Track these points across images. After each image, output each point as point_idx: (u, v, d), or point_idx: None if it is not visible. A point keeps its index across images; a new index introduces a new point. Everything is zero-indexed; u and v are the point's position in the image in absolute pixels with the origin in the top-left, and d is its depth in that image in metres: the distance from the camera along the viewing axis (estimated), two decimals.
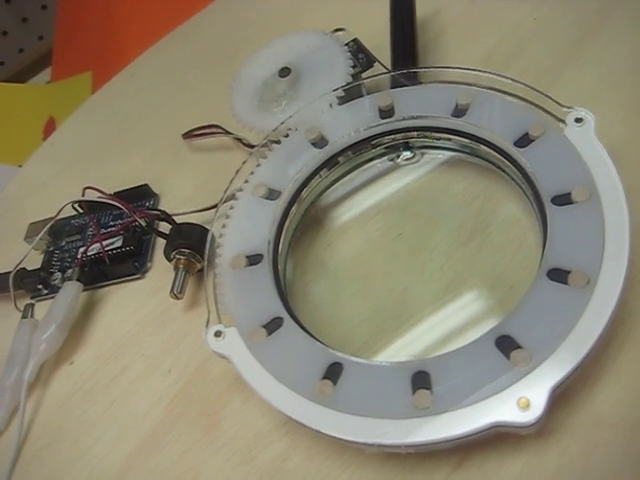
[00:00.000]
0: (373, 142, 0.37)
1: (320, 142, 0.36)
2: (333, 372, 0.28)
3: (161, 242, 0.40)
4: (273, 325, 0.30)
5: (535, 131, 0.32)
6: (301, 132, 0.37)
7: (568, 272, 0.27)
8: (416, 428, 0.26)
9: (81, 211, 0.44)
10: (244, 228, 0.34)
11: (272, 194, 0.35)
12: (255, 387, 0.29)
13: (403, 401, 0.27)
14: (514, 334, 0.27)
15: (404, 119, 0.35)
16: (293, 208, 0.36)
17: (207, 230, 0.37)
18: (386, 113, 0.36)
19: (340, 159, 0.37)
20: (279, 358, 0.30)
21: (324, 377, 0.28)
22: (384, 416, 0.27)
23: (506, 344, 0.27)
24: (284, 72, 0.40)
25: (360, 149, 0.37)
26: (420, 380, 0.27)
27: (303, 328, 0.30)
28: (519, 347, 0.26)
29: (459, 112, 0.34)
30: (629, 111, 0.37)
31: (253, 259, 0.33)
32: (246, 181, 0.36)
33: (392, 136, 0.36)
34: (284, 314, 0.31)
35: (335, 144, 0.36)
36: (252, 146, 0.42)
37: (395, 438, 0.26)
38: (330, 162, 0.37)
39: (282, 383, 0.29)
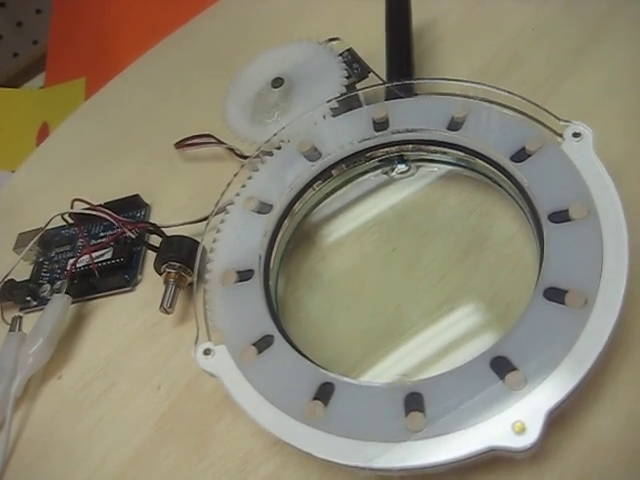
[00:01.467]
0: (367, 155, 0.36)
1: (313, 154, 0.36)
2: (324, 392, 0.28)
3: (152, 253, 0.39)
4: (263, 343, 0.30)
5: (532, 146, 0.31)
6: (294, 144, 0.36)
7: (565, 292, 0.27)
8: (409, 452, 0.25)
9: (70, 222, 0.44)
10: (235, 243, 0.34)
11: (264, 207, 0.35)
12: (244, 407, 0.28)
13: (396, 424, 0.26)
14: (510, 355, 0.26)
15: (399, 132, 0.35)
16: (285, 222, 0.35)
17: (198, 243, 0.37)
18: (380, 125, 0.35)
19: (333, 172, 0.36)
20: (269, 377, 0.29)
21: (315, 397, 0.27)
22: (376, 439, 0.26)
23: (501, 366, 0.26)
24: (277, 82, 0.39)
25: (354, 162, 0.37)
26: (413, 402, 0.26)
27: (294, 346, 0.30)
28: (515, 369, 0.26)
29: (455, 125, 0.34)
30: (630, 124, 0.36)
31: (244, 275, 0.32)
32: (237, 194, 0.35)
33: (386, 149, 0.36)
34: (275, 332, 0.30)
35: (328, 157, 0.36)
36: (245, 157, 0.41)
37: (387, 462, 0.25)
38: (323, 175, 0.36)
39: (272, 403, 0.28)
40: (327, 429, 0.27)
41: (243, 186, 0.36)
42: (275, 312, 0.32)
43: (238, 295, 0.32)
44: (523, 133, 0.32)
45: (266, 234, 0.34)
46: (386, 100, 0.36)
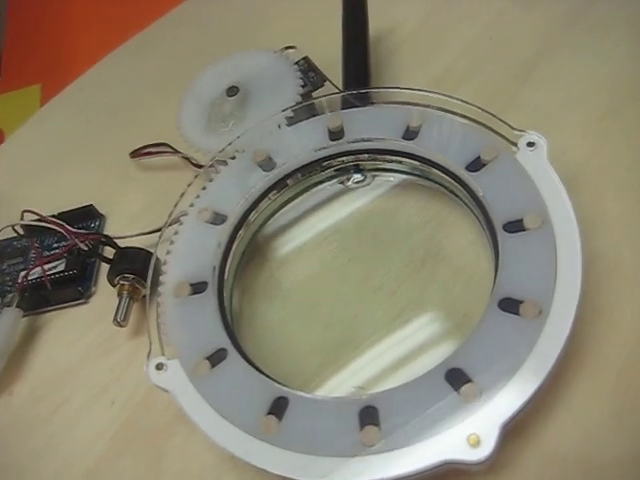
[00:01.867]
0: (323, 164, 0.36)
1: (268, 164, 0.35)
2: (278, 407, 0.27)
3: (106, 265, 0.38)
4: (217, 357, 0.29)
5: (487, 155, 0.31)
6: (248, 153, 0.36)
7: (520, 302, 0.27)
8: (364, 466, 0.25)
9: (22, 233, 0.42)
10: (188, 254, 0.33)
11: (218, 218, 0.34)
12: (197, 423, 0.28)
13: (350, 438, 0.26)
14: (465, 367, 0.26)
15: (354, 141, 0.35)
16: (240, 232, 0.35)
17: (152, 255, 0.36)
18: (336, 135, 0.35)
19: (289, 182, 0.36)
20: (223, 392, 0.28)
21: (269, 412, 0.27)
22: (331, 454, 0.26)
23: (456, 377, 0.26)
24: (232, 91, 0.39)
25: (309, 171, 0.36)
26: (368, 416, 0.26)
27: (248, 360, 0.29)
28: (470, 381, 0.25)
29: (410, 134, 0.34)
30: (585, 132, 0.36)
31: (197, 287, 0.32)
32: (192, 204, 0.35)
33: (342, 158, 0.36)
34: (228, 345, 0.30)
35: (283, 166, 0.35)
36: (201, 166, 0.41)
37: (343, 477, 0.25)
38: (278, 185, 0.36)
39: (225, 418, 0.28)
40: (282, 444, 0.26)
41: (197, 196, 0.35)
42: (229, 325, 0.31)
43: (191, 308, 0.31)
44: (478, 142, 0.32)
45: (220, 245, 0.33)
46: (342, 109, 0.36)
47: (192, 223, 0.34)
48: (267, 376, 0.28)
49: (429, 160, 0.33)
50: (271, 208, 0.37)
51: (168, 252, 0.34)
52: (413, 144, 0.33)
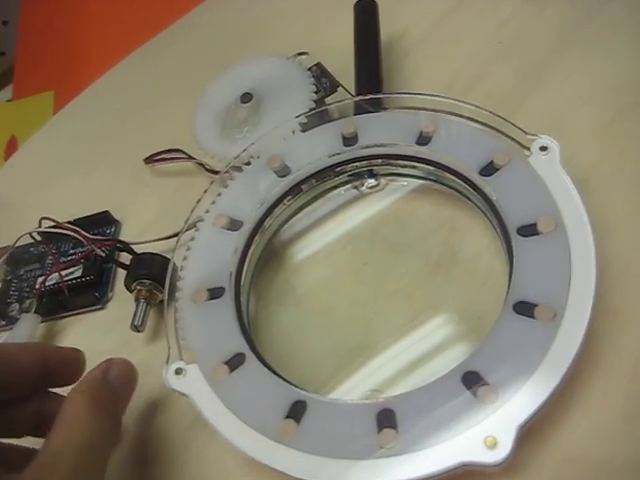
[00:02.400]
0: (337, 170, 0.36)
1: (283, 170, 0.36)
2: (296, 411, 0.28)
3: (123, 271, 0.39)
4: (235, 361, 0.30)
5: (500, 160, 0.31)
6: (263, 160, 0.36)
7: (535, 305, 0.27)
8: (381, 469, 0.25)
9: (39, 239, 0.43)
10: (205, 260, 0.34)
11: (234, 224, 0.34)
12: (217, 426, 0.28)
13: (368, 441, 0.26)
14: (481, 370, 0.26)
15: (368, 147, 0.35)
16: (256, 238, 0.35)
17: (168, 260, 0.37)
18: (349, 140, 0.35)
19: (303, 187, 0.36)
20: (241, 396, 0.29)
21: (287, 416, 0.27)
22: (349, 456, 0.26)
23: (473, 380, 0.26)
24: (246, 98, 0.39)
25: (323, 177, 0.37)
26: (385, 418, 0.26)
27: (266, 364, 0.30)
28: (486, 384, 0.26)
29: (424, 139, 0.34)
30: (596, 134, 0.36)
31: (214, 292, 0.32)
32: (207, 210, 0.35)
33: (356, 164, 0.36)
34: (246, 350, 0.30)
35: (298, 172, 0.36)
36: (215, 172, 0.41)
37: (361, 479, 0.25)
38: (293, 190, 0.36)
39: (244, 422, 0.28)
40: (300, 447, 0.27)
41: (213, 202, 0.36)
42: (247, 330, 0.31)
43: (209, 313, 0.32)
44: (491, 147, 0.32)
45: (236, 251, 0.34)
46: (355, 115, 0.36)
47: (208, 229, 0.35)
48: (285, 380, 0.29)
49: (443, 165, 0.33)
50: (286, 214, 0.37)
51: (185, 258, 0.34)
52: (426, 149, 0.34)
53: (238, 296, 0.33)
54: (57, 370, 0.30)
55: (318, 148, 0.36)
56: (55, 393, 0.31)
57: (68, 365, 0.31)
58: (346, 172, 0.37)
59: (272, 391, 0.29)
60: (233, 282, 0.33)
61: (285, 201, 0.36)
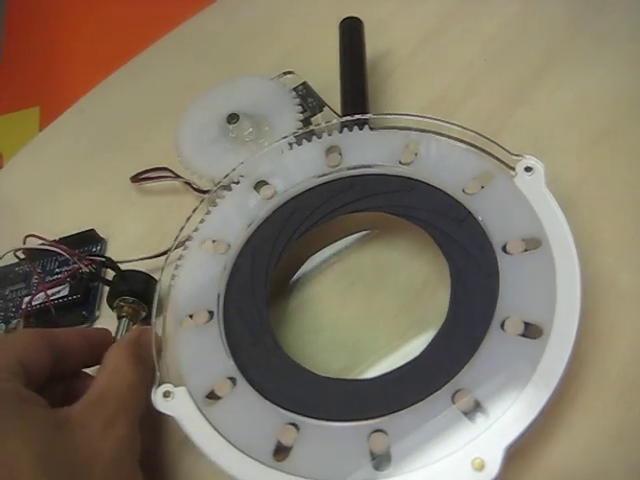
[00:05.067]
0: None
1: (269, 191, 0.36)
2: None
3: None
4: (225, 386, 0.30)
5: (484, 180, 0.32)
6: (250, 181, 0.36)
7: (521, 322, 0.27)
8: None
9: (23, 257, 0.43)
10: (193, 283, 0.34)
11: (221, 247, 0.34)
12: (206, 451, 0.28)
13: (360, 463, 0.26)
14: (470, 388, 0.26)
15: (353, 167, 0.35)
16: (243, 259, 0.34)
17: (152, 278, 0.37)
18: (335, 161, 0.35)
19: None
20: (232, 421, 0.29)
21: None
22: (342, 479, 0.26)
23: (462, 399, 0.26)
24: (232, 118, 0.39)
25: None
26: (377, 440, 0.26)
27: (257, 388, 0.29)
28: (476, 402, 0.26)
29: (408, 159, 0.34)
30: (581, 153, 0.37)
31: (203, 316, 0.32)
32: (196, 229, 0.35)
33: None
34: (237, 374, 0.30)
35: (283, 194, 0.35)
36: (202, 191, 0.41)
37: None
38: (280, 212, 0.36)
39: (235, 446, 0.28)
40: (292, 471, 0.27)
41: (201, 221, 0.35)
42: (238, 353, 0.31)
43: (198, 337, 0.32)
44: (476, 166, 0.33)
45: (224, 273, 0.34)
46: (341, 133, 0.36)
47: (196, 251, 0.34)
48: (276, 404, 0.29)
49: (427, 183, 0.33)
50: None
51: (173, 278, 0.34)
52: (410, 168, 0.34)
53: (228, 319, 0.32)
54: (98, 348, 0.33)
55: (305, 169, 0.36)
56: (84, 372, 0.34)
57: (105, 344, 0.33)
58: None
59: (263, 415, 0.28)
60: (222, 305, 0.33)
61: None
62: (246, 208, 0.35)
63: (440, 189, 0.33)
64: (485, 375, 0.27)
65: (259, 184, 0.36)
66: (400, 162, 0.34)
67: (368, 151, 0.35)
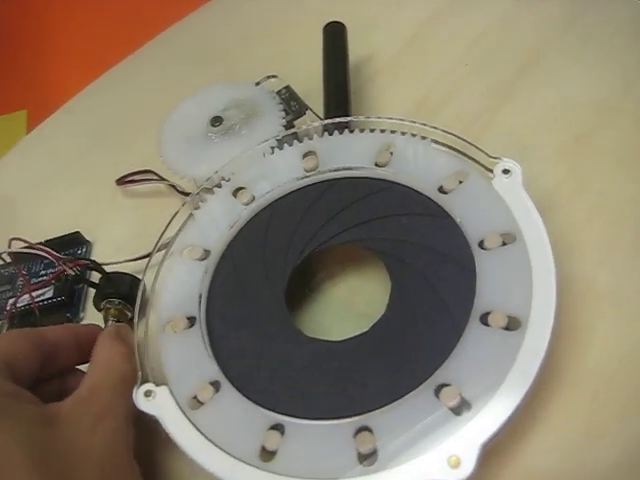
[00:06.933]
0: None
1: (248, 195, 0.36)
2: None
3: (94, 291, 0.39)
4: (208, 390, 0.30)
5: (461, 178, 0.32)
6: (229, 186, 0.36)
7: (499, 315, 0.28)
8: None
9: (9, 260, 0.43)
10: (175, 289, 0.34)
11: (202, 253, 0.34)
12: (187, 450, 0.28)
13: (347, 460, 0.26)
14: (453, 382, 0.27)
15: (329, 171, 0.35)
16: (224, 265, 0.35)
17: (138, 280, 0.37)
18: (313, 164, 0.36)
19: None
20: (217, 422, 0.29)
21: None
22: (328, 476, 0.26)
23: (445, 393, 0.27)
24: (216, 121, 0.39)
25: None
26: (363, 437, 0.27)
27: (241, 390, 0.30)
28: (460, 395, 0.26)
29: (384, 161, 0.35)
30: (560, 155, 0.37)
31: (185, 321, 0.32)
32: (179, 231, 0.35)
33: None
34: (221, 377, 0.30)
35: (260, 200, 0.36)
36: (186, 193, 0.41)
37: None
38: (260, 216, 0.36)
39: (220, 447, 0.28)
40: (278, 471, 0.27)
41: (182, 227, 0.36)
42: (222, 356, 0.31)
43: (181, 342, 0.32)
44: (454, 168, 0.33)
45: (205, 277, 0.34)
46: (323, 136, 0.37)
47: (177, 256, 0.35)
48: (261, 405, 0.29)
49: (402, 184, 0.34)
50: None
51: (155, 282, 0.34)
52: (386, 170, 0.34)
53: (211, 322, 0.32)
54: (87, 345, 0.32)
55: (284, 172, 0.36)
56: (78, 369, 0.34)
57: (95, 340, 0.33)
58: None
59: (249, 416, 0.29)
60: (204, 309, 0.33)
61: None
62: (226, 214, 0.36)
63: (415, 189, 0.34)
64: (466, 369, 0.27)
65: (237, 190, 0.36)
66: (376, 164, 0.35)
67: (343, 155, 0.36)
